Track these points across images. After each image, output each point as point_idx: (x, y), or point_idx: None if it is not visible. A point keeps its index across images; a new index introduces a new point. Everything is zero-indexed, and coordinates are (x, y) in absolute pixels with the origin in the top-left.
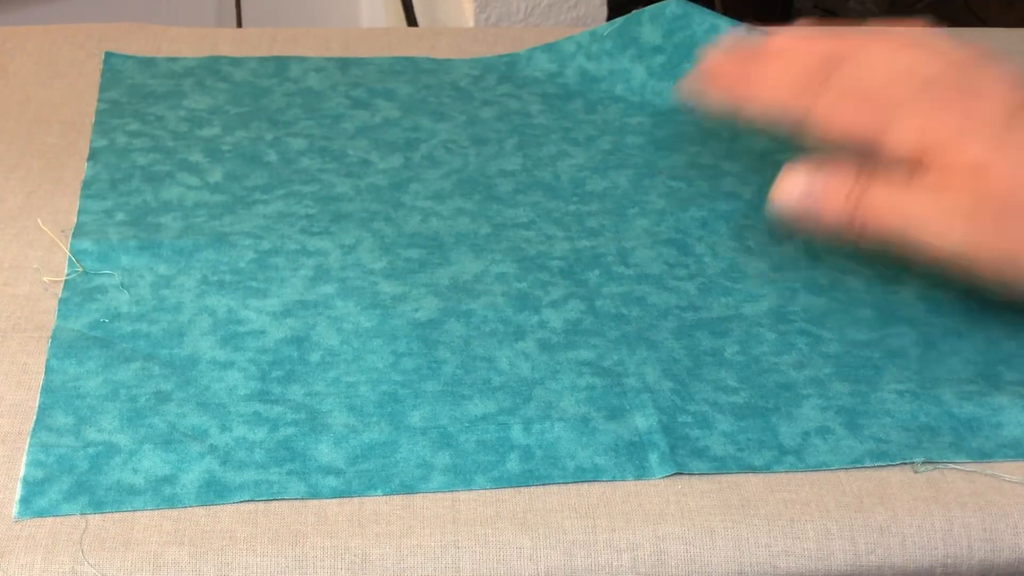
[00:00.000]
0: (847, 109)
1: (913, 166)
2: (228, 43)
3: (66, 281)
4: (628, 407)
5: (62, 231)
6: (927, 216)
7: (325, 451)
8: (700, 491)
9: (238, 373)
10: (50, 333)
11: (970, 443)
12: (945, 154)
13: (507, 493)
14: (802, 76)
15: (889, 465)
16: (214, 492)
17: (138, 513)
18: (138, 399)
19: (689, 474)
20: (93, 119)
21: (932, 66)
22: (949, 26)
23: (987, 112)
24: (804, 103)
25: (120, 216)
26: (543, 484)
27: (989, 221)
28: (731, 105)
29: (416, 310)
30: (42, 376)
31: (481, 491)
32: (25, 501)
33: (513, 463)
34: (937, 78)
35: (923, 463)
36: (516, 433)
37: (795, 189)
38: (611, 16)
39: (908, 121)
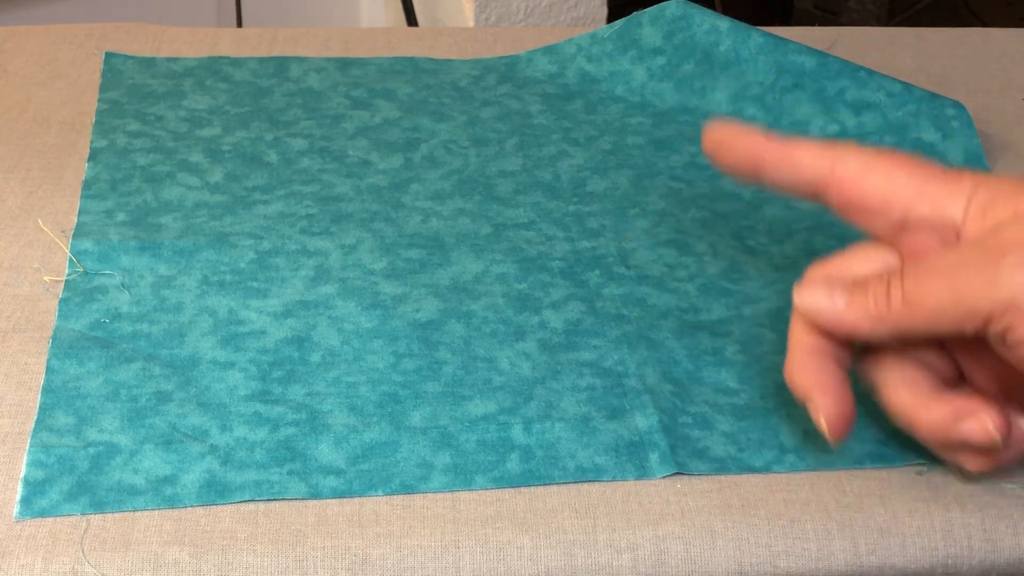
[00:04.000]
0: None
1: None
2: (228, 43)
3: (67, 281)
4: (628, 407)
5: (62, 231)
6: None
7: (326, 451)
8: (700, 491)
9: (239, 373)
10: (51, 333)
11: None
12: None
13: (507, 493)
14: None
15: (890, 467)
16: (215, 492)
17: (139, 513)
18: (139, 399)
19: (689, 474)
20: (93, 119)
21: None
22: (949, 26)
23: None
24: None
25: (120, 216)
26: (544, 484)
27: None
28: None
29: (417, 311)
30: (43, 376)
31: (481, 491)
32: (26, 501)
33: (514, 463)
34: None
35: (926, 466)
36: (517, 433)
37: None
38: (611, 16)
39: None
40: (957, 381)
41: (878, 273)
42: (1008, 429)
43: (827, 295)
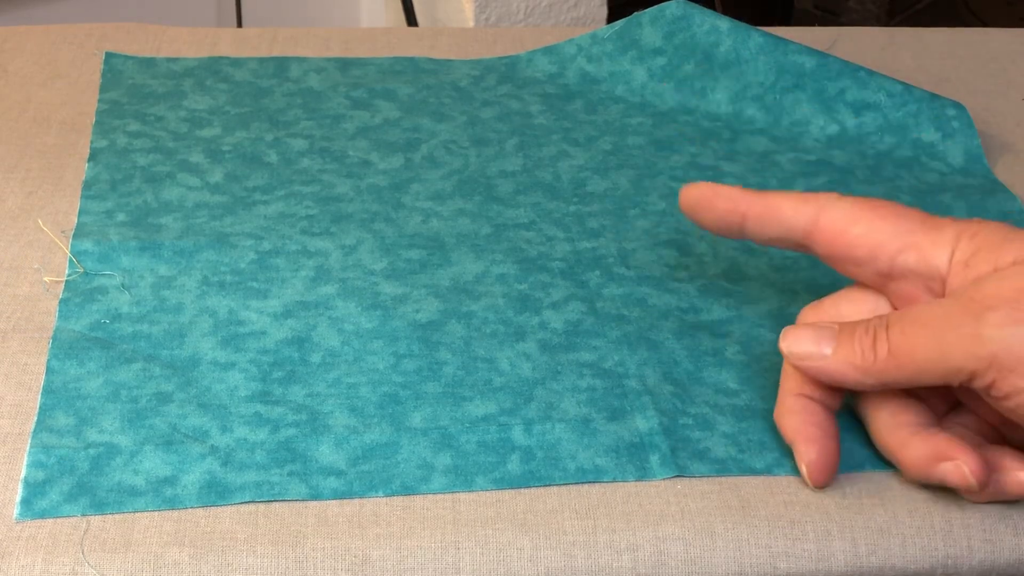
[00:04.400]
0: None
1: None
2: (228, 43)
3: (67, 282)
4: (629, 408)
5: (62, 231)
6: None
7: (326, 452)
8: (700, 492)
9: (239, 374)
10: (51, 334)
11: None
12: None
13: (507, 494)
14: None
15: (888, 470)
16: (215, 493)
17: (139, 514)
18: (139, 400)
19: (690, 476)
20: (93, 119)
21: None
22: (949, 26)
23: None
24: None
25: (121, 217)
26: (544, 485)
27: None
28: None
29: (417, 311)
30: (43, 377)
31: (481, 492)
32: (26, 502)
33: (514, 464)
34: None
35: None
36: (517, 434)
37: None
38: (611, 16)
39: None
40: (950, 411)
41: (865, 321)
42: (985, 474)
43: (814, 343)
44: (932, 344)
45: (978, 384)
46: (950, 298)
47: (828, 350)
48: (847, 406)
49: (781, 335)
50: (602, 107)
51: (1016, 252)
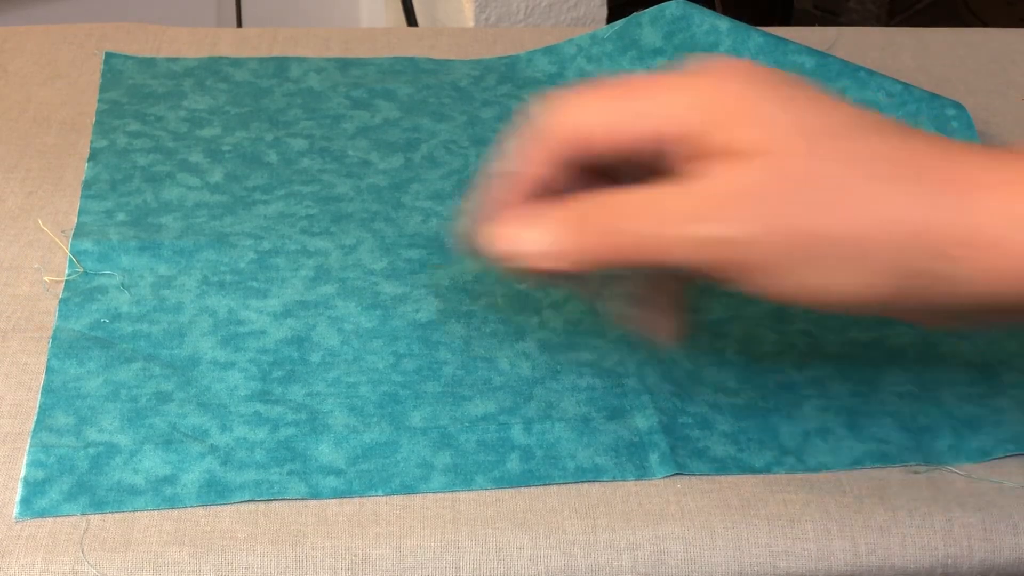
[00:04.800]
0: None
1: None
2: (228, 43)
3: (67, 281)
4: (629, 407)
5: (62, 231)
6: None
7: (325, 451)
8: (700, 491)
9: (239, 373)
10: (51, 333)
11: (970, 443)
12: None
13: (507, 493)
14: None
15: (889, 466)
16: (215, 492)
17: (138, 513)
18: (139, 399)
19: (689, 474)
20: (93, 119)
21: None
22: (949, 26)
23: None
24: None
25: (120, 216)
26: (544, 484)
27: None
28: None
29: (416, 311)
30: (43, 376)
31: (481, 491)
32: (26, 501)
33: (513, 463)
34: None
35: (925, 468)
36: (517, 433)
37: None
38: (611, 16)
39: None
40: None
41: (571, 208)
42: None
43: (525, 239)
44: (654, 240)
45: (705, 279)
46: (675, 186)
47: (539, 244)
48: (846, 409)
49: (494, 238)
50: None
51: (764, 131)
